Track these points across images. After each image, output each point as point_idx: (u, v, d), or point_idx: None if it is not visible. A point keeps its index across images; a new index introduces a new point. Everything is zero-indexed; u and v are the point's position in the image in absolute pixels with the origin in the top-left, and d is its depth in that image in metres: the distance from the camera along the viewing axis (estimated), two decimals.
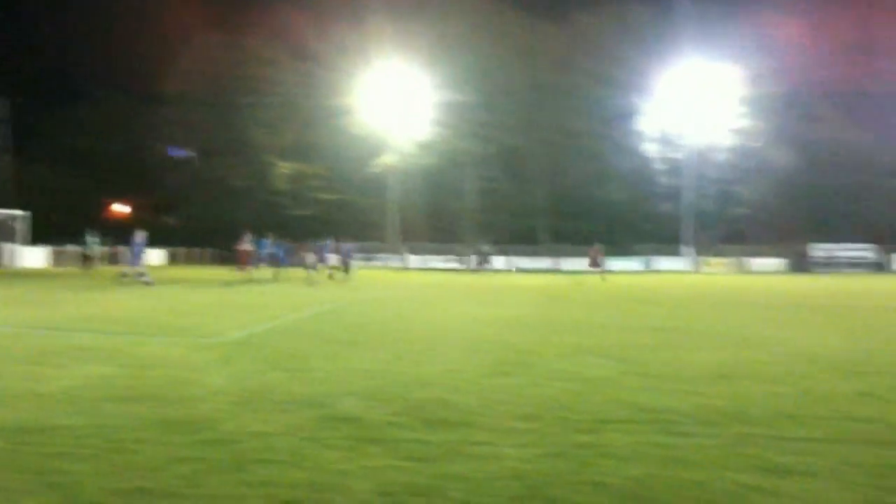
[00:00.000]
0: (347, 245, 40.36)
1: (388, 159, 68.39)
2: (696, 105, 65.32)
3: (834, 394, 8.96)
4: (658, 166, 69.61)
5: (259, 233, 38.10)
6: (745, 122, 67.48)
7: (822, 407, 8.25)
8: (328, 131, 67.93)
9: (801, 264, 61.56)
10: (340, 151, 68.73)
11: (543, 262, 62.89)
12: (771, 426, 7.39)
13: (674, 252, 64.68)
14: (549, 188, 70.47)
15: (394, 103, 65.60)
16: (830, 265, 61.06)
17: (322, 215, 68.43)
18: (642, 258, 62.68)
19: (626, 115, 69.23)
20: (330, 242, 40.14)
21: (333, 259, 40.06)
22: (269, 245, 37.94)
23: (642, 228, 69.92)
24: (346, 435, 6.98)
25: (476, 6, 67.42)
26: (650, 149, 69.57)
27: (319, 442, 6.75)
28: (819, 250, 62.43)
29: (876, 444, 6.74)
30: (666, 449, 6.58)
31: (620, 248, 64.42)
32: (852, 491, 5.49)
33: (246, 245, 33.11)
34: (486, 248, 49.63)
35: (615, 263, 62.78)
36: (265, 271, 37.32)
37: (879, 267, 60.97)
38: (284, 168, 70.61)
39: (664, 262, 62.47)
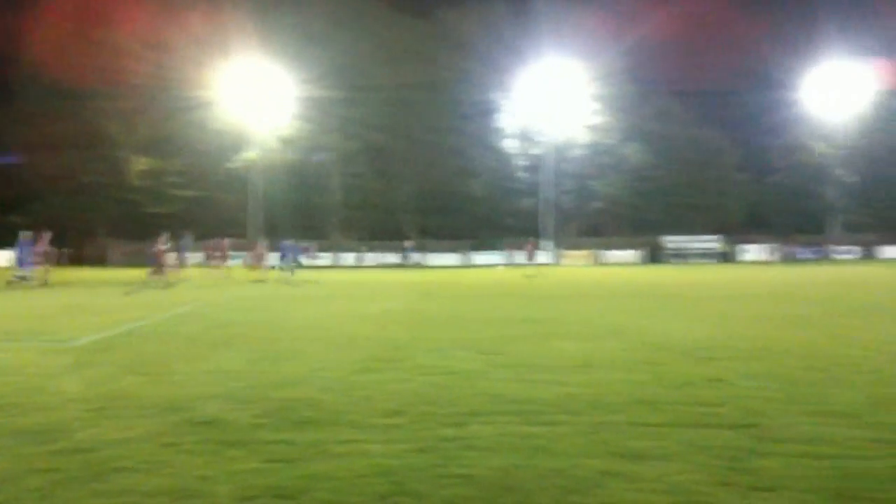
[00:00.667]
0: (287, 244, 39.27)
1: (249, 155, 66.95)
2: (553, 102, 67.00)
3: (687, 380, 9.39)
4: (518, 162, 71.04)
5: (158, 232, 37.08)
6: (599, 119, 69.73)
7: (675, 393, 8.64)
8: (187, 125, 65.86)
9: (654, 256, 64.17)
10: (200, 146, 66.80)
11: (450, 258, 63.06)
12: (628, 413, 7.69)
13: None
14: (414, 184, 70.83)
15: (255, 97, 64.25)
16: (682, 256, 63.94)
17: (181, 213, 66.32)
18: (505, 252, 63.85)
19: (488, 111, 70.33)
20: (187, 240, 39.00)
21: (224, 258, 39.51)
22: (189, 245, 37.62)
23: (505, 223, 71.25)
24: (207, 439, 6.81)
25: (339, 0, 66.97)
26: (511, 145, 70.92)
27: (180, 447, 6.56)
28: (671, 242, 65.25)
29: (726, 428, 7.10)
30: (529, 439, 6.75)
31: (484, 243, 65.49)
32: (705, 473, 5.77)
33: (162, 246, 31.89)
34: (408, 244, 49.41)
35: (479, 258, 63.78)
36: (177, 273, 36.13)
37: (726, 257, 64.28)
38: (140, 163, 67.95)
39: (523, 256, 63.76)
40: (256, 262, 41.24)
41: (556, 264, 62.55)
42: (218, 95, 64.31)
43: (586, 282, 34.17)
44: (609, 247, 65.93)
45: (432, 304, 21.52)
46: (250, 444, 6.65)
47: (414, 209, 71.72)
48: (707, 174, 73.38)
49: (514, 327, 15.19)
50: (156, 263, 31.40)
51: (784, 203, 75.24)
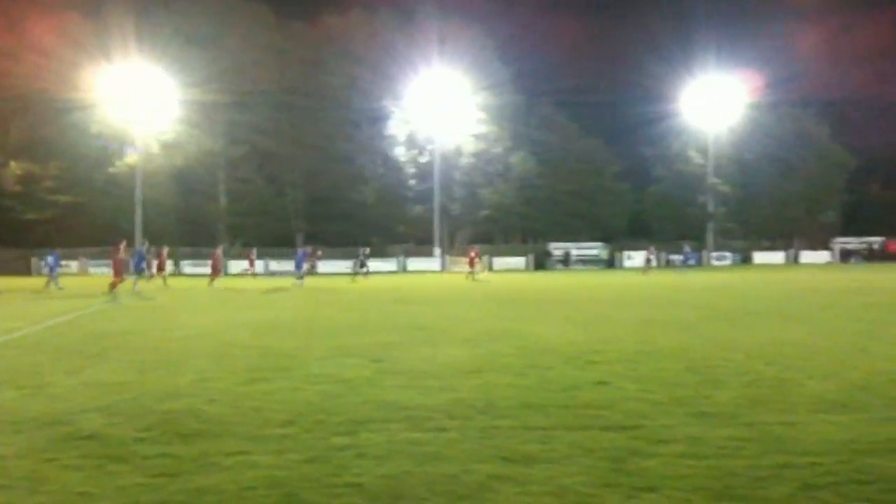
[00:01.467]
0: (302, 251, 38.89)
1: (131, 159, 64.70)
2: (441, 111, 67.48)
3: (573, 383, 9.60)
4: (409, 170, 71.20)
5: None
6: (486, 128, 70.62)
7: (562, 396, 8.81)
8: (65, 129, 63.14)
9: (541, 262, 65.32)
10: (79, 150, 64.15)
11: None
12: (516, 417, 7.80)
13: (426, 253, 66.43)
14: (304, 190, 70.03)
15: (137, 101, 62.19)
16: (567, 262, 65.29)
17: (57, 218, 63.57)
18: (397, 259, 63.84)
19: (378, 119, 70.20)
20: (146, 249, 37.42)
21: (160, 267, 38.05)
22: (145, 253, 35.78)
23: (396, 230, 71.25)
24: (89, 454, 6.55)
25: (224, 3, 65.56)
26: (401, 153, 71.03)
27: (60, 463, 6.29)
28: (557, 249, 66.59)
29: (612, 430, 7.29)
30: (420, 445, 6.76)
31: (376, 250, 65.32)
32: (591, 475, 5.90)
33: (122, 254, 30.62)
34: (365, 252, 48.26)
35: (371, 265, 63.53)
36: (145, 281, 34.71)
37: (610, 263, 66.06)
38: (14, 168, 64.74)
39: (417, 263, 63.99)
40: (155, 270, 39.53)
41: (446, 271, 62.95)
42: (98, 98, 61.94)
43: (475, 288, 34.50)
44: (497, 254, 66.78)
45: (323, 312, 21.33)
46: (134, 458, 6.43)
47: (303, 215, 70.88)
48: (591, 183, 75.29)
49: (404, 334, 15.20)
50: (116, 272, 30.24)
51: (664, 211, 77.84)
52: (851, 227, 79.38)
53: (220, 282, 39.25)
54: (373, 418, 7.76)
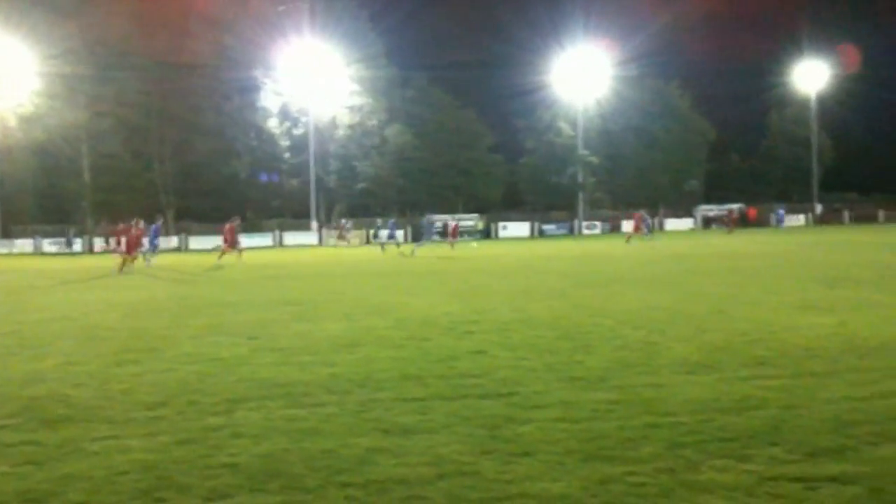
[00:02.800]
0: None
1: None
2: (315, 82, 66.42)
3: (451, 354, 9.72)
4: (283, 142, 69.87)
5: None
6: (361, 101, 70.04)
7: (440, 367, 8.91)
8: None
9: (418, 235, 65.51)
10: None
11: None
12: (395, 389, 7.84)
13: (303, 227, 65.59)
14: (172, 164, 67.69)
15: None
16: (444, 235, 65.69)
17: None
18: (273, 233, 62.76)
19: (249, 90, 68.47)
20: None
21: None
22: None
23: (271, 204, 69.99)
24: None
25: None
26: (274, 125, 69.61)
27: None
28: (436, 221, 66.93)
29: (488, 397, 7.42)
30: (297, 422, 6.70)
31: (250, 225, 64.02)
32: (468, 443, 6.00)
33: (136, 230, 30.09)
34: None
35: (246, 240, 62.27)
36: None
37: (486, 234, 66.91)
38: None
39: (294, 237, 63.11)
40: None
41: (324, 245, 62.36)
42: None
43: (353, 261, 34.36)
44: (375, 227, 66.63)
45: (197, 290, 20.80)
46: None
47: (173, 190, 68.63)
48: (466, 155, 75.83)
49: (280, 310, 15.01)
50: (128, 249, 29.26)
51: (536, 182, 79.29)
52: (713, 195, 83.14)
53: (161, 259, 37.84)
54: (249, 397, 7.64)
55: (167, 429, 6.58)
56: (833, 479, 5.00)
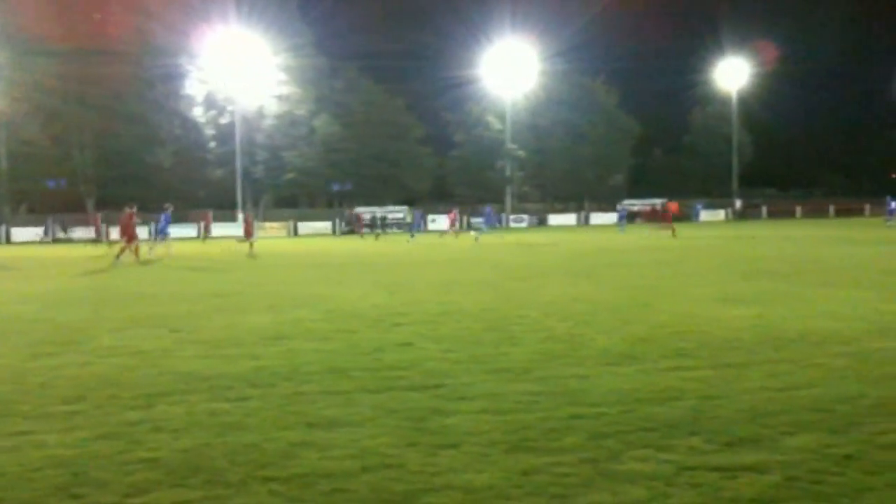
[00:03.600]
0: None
1: None
2: (241, 71, 65.35)
3: (378, 346, 9.69)
4: (208, 132, 68.58)
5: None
6: (288, 90, 69.22)
7: (367, 359, 8.88)
8: None
9: (349, 226, 65.16)
10: None
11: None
12: (321, 382, 7.77)
13: (229, 218, 64.57)
14: (93, 152, 65.79)
15: None
16: (376, 226, 65.46)
17: None
18: (198, 224, 61.59)
19: (173, 77, 66.93)
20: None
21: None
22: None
23: (196, 194, 68.67)
24: None
25: None
26: (199, 114, 68.26)
27: None
28: (366, 213, 66.60)
29: (414, 390, 7.42)
30: (220, 416, 6.60)
31: (176, 215, 62.68)
32: (394, 435, 5.98)
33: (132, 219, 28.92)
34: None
35: (170, 230, 60.96)
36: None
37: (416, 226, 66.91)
38: None
39: (220, 228, 62.04)
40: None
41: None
42: None
43: (280, 253, 33.98)
44: (304, 218, 66.00)
45: (119, 281, 20.30)
46: None
47: (93, 179, 66.75)
48: (395, 147, 75.63)
49: (204, 302, 14.76)
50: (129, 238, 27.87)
51: (465, 175, 79.57)
52: (637, 189, 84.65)
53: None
54: (170, 390, 7.49)
55: (85, 423, 6.40)
56: (750, 469, 5.12)
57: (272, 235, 59.45)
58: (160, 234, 33.37)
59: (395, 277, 19.81)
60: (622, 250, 29.81)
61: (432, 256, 28.44)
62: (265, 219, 65.10)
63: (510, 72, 73.41)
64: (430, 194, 80.00)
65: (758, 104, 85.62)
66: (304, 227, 64.06)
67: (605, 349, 9.25)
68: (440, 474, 5.11)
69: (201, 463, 5.41)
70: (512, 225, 70.85)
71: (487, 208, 39.42)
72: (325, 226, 65.52)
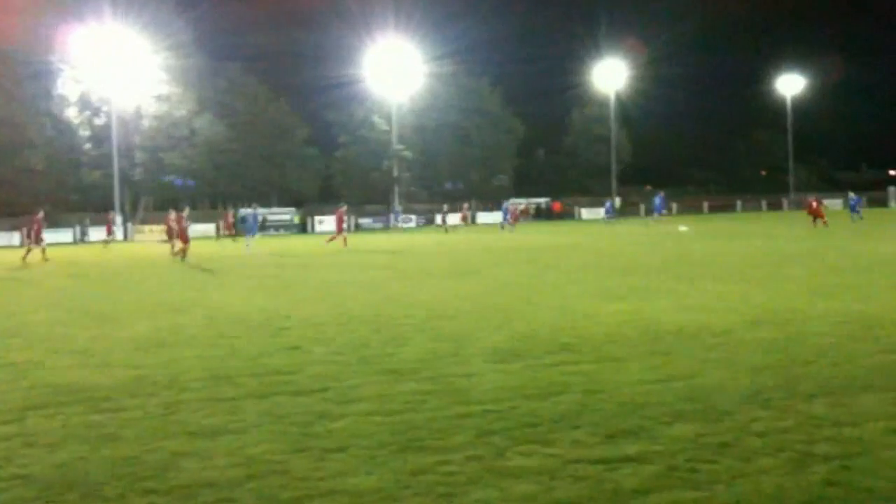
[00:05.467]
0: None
1: None
2: (118, 70, 63.09)
3: (263, 351, 9.52)
4: (83, 133, 65.91)
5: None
6: (168, 90, 67.36)
7: (251, 364, 8.71)
8: None
9: (234, 229, 63.80)
10: None
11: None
12: (203, 390, 7.58)
13: (105, 221, 62.26)
14: None
15: None
16: (261, 229, 64.33)
17: None
18: (73, 229, 59.10)
19: (43, 76, 64.02)
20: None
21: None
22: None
23: (71, 198, 65.89)
24: None
25: None
26: (72, 114, 65.52)
27: None
28: (251, 215, 65.32)
29: (301, 394, 7.32)
30: (96, 428, 6.35)
31: (49, 220, 60.01)
32: (280, 441, 5.88)
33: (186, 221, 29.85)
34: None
35: (46, 236, 58.30)
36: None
37: (303, 228, 66.07)
38: None
39: (98, 233, 59.67)
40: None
41: (130, 240, 59.52)
42: None
43: (158, 258, 32.96)
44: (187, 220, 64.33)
45: None
46: None
47: None
48: (280, 148, 74.56)
49: (78, 311, 14.19)
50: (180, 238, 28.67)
51: (351, 176, 79.16)
52: (522, 189, 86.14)
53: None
54: (44, 403, 7.17)
55: None
56: (631, 459, 5.28)
57: (150, 240, 57.58)
58: (250, 231, 36.01)
59: (280, 280, 19.53)
60: (507, 249, 30.23)
61: (318, 260, 28.13)
62: (144, 222, 63.10)
63: (395, 73, 73.34)
64: (317, 196, 79.21)
65: (634, 105, 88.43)
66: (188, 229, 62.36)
67: (491, 347, 9.36)
68: (327, 479, 5.06)
69: (77, 478, 5.20)
70: (400, 225, 70.92)
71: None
72: (208, 228, 64.01)
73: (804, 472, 4.94)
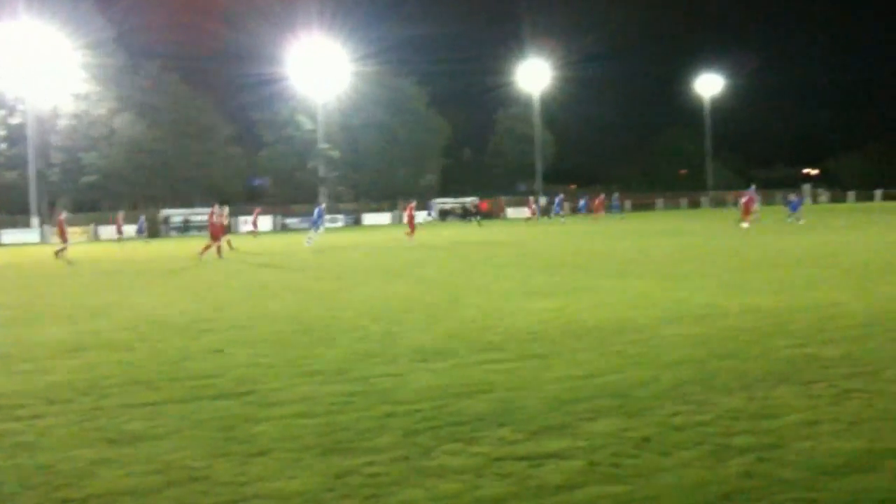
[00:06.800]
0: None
1: None
2: (34, 68, 61.20)
3: (184, 354, 9.34)
4: None
5: None
6: (87, 89, 65.62)
7: (172, 368, 8.53)
8: None
9: (155, 230, 62.51)
10: None
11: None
12: (122, 395, 7.40)
13: (23, 223, 60.41)
14: None
15: None
16: (184, 229, 63.16)
17: None
18: None
19: None
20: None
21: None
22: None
23: None
24: None
25: None
26: None
27: None
28: (172, 216, 64.13)
29: (223, 398, 7.20)
30: (10, 436, 6.14)
31: None
32: (201, 446, 5.77)
33: (221, 218, 29.68)
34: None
35: None
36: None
37: (227, 229, 65.01)
38: None
39: (12, 235, 57.90)
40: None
41: (45, 243, 57.76)
42: None
43: (75, 260, 32.07)
44: (105, 222, 62.69)
45: None
46: None
47: None
48: (203, 147, 73.32)
49: None
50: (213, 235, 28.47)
51: (277, 175, 78.34)
52: (449, 188, 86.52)
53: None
54: None
55: None
56: (555, 456, 5.33)
57: (72, 241, 55.93)
58: (315, 225, 37.86)
59: (203, 282, 19.19)
60: (431, 247, 30.27)
61: (244, 261, 27.74)
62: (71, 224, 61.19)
63: (321, 72, 72.77)
64: (242, 195, 78.13)
65: (558, 105, 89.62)
66: (107, 231, 60.84)
67: (417, 346, 9.36)
68: (250, 483, 4.98)
69: None
70: (327, 225, 70.40)
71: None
72: (130, 229, 62.52)
73: (723, 465, 5.05)
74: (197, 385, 7.70)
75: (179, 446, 5.78)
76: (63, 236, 31.56)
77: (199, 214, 64.31)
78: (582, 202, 66.58)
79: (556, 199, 61.06)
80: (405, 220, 37.90)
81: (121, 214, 47.85)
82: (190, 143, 72.15)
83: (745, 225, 34.92)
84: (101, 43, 64.67)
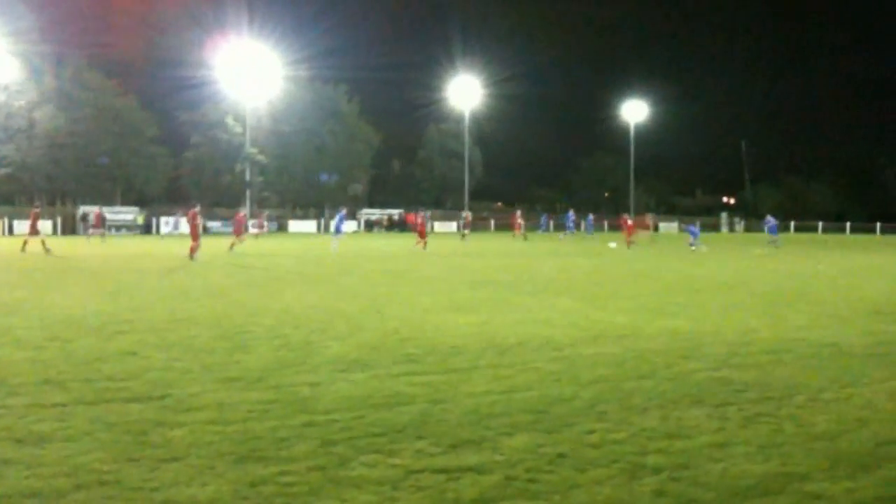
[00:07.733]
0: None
1: None
2: None
3: (97, 355, 9.09)
4: None
5: None
6: (8, 79, 63.61)
7: (84, 369, 8.30)
8: None
9: (72, 227, 60.75)
10: None
11: None
12: (31, 395, 7.17)
13: None
14: None
15: None
16: (102, 228, 61.48)
17: None
18: None
19: None
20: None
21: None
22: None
23: None
24: None
25: None
26: None
27: None
28: (91, 213, 62.37)
29: (136, 401, 7.03)
30: None
31: None
32: (111, 450, 5.62)
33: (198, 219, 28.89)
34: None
35: None
36: None
37: (147, 229, 63.60)
38: None
39: None
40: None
41: None
42: None
43: None
44: (17, 216, 60.68)
45: None
46: None
47: None
48: (126, 145, 71.62)
49: None
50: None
51: (201, 177, 77.01)
52: (376, 199, 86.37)
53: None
54: None
55: None
56: (472, 469, 5.35)
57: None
58: (337, 230, 36.72)
59: (120, 283, 18.73)
60: (357, 256, 30.15)
61: (162, 263, 27.18)
62: None
63: (251, 75, 71.83)
64: (164, 195, 76.56)
65: (488, 123, 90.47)
66: (21, 225, 58.84)
67: (338, 356, 9.30)
68: (161, 489, 4.87)
69: None
70: (252, 231, 69.48)
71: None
72: (44, 225, 60.60)
73: (636, 483, 5.15)
74: (109, 387, 7.51)
75: (89, 449, 5.62)
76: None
77: (118, 214, 62.81)
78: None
79: (568, 215, 59.54)
80: (416, 228, 38.62)
81: (35, 211, 46.19)
82: (112, 140, 70.40)
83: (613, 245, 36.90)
84: (24, 32, 62.69)
